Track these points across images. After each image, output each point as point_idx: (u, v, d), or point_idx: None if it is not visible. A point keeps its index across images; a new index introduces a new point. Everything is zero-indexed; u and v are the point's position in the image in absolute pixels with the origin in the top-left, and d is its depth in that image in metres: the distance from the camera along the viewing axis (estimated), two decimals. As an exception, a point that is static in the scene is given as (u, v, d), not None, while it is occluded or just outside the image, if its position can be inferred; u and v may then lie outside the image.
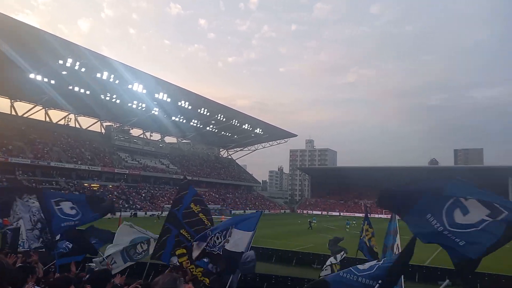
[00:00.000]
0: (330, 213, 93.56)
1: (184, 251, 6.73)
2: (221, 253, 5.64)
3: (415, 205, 3.66)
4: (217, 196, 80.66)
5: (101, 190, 58.01)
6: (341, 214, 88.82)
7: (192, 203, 7.12)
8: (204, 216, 6.98)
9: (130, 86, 55.72)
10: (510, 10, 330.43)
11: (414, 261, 19.66)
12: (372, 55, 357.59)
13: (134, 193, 63.36)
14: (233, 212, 68.31)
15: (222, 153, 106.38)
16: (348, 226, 47.51)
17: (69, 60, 46.81)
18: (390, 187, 4.03)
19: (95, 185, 59.69)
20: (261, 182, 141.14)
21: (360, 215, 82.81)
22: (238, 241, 5.63)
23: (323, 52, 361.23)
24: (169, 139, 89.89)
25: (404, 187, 3.94)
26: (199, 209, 7.07)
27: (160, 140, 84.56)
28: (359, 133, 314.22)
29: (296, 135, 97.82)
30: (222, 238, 5.75)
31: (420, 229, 3.64)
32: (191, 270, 6.52)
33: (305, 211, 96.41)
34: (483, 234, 3.27)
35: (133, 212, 54.73)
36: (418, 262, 19.82)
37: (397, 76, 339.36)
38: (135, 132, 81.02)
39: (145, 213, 56.96)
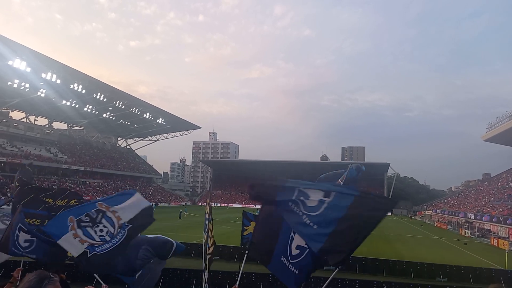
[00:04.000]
0: (230, 204, 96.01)
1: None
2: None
3: (277, 197, 4.14)
4: (113, 188, 76.01)
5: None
6: (229, 206, 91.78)
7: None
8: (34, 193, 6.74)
9: (10, 63, 48.61)
10: (387, 27, 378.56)
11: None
12: (274, 54, 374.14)
13: (13, 184, 55.87)
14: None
15: (120, 142, 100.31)
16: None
17: None
18: (257, 182, 4.38)
19: (-40, 175, 50.96)
20: (162, 174, 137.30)
21: (259, 206, 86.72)
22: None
23: (228, 46, 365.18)
24: (58, 125, 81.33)
25: (268, 181, 4.36)
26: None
27: (47, 126, 75.89)
28: (260, 128, 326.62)
29: (199, 127, 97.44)
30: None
31: (287, 217, 4.15)
32: None
33: (206, 203, 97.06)
34: (328, 213, 3.85)
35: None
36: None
37: (296, 76, 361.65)
38: (17, 115, 71.39)
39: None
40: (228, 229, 36.81)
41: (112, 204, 5.25)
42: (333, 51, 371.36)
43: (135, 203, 5.39)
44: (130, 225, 5.18)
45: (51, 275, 2.38)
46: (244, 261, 5.74)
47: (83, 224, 5.04)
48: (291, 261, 4.48)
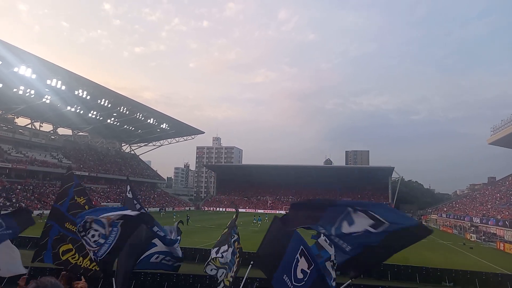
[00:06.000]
0: (229, 209, 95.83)
1: (70, 246, 6.37)
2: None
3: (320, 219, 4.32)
4: (117, 193, 76.24)
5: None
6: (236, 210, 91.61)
7: (76, 195, 6.71)
8: (89, 208, 6.59)
9: (16, 70, 49.09)
10: (392, 28, 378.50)
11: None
12: (278, 59, 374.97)
13: (18, 190, 56.26)
14: (134, 209, 65.41)
15: (124, 148, 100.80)
16: (259, 222, 50.39)
17: None
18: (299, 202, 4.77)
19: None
20: (165, 179, 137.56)
21: (262, 211, 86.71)
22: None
23: (232, 51, 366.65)
24: (63, 131, 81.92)
25: (311, 201, 4.65)
26: (84, 200, 6.69)
27: (52, 132, 76.41)
28: (263, 132, 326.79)
29: (203, 132, 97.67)
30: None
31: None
32: (79, 263, 6.33)
33: (210, 208, 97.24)
34: (362, 239, 4.03)
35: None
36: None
37: (301, 80, 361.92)
38: (22, 121, 71.96)
39: (32, 212, 50.87)
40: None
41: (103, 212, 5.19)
42: (338, 54, 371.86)
43: (125, 209, 5.47)
44: (122, 221, 4.98)
45: (52, 281, 2.32)
46: (248, 270, 5.83)
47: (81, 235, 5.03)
48: (294, 283, 4.44)
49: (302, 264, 4.36)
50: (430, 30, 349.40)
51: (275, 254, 4.93)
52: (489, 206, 59.03)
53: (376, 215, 3.94)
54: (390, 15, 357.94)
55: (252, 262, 5.67)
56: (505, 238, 40.29)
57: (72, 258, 6.40)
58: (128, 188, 6.67)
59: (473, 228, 49.46)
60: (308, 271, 4.25)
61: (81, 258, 6.33)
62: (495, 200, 61.08)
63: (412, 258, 25.76)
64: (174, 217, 53.80)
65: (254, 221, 52.57)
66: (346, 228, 4.07)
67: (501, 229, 42.79)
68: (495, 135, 74.01)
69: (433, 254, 29.52)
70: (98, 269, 5.94)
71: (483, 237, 44.40)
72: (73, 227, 6.35)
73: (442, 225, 63.45)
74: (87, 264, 6.27)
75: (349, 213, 4.07)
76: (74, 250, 6.38)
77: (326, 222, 4.23)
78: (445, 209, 75.84)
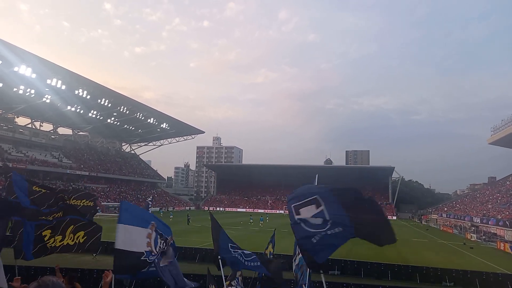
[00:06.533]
0: (233, 209, 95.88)
1: (49, 231, 6.36)
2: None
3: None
4: (117, 193, 76.25)
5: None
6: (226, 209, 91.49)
7: (29, 186, 6.66)
8: (44, 190, 6.68)
9: (16, 69, 49.08)
10: (393, 29, 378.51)
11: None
12: (279, 59, 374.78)
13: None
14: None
15: (124, 147, 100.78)
16: (261, 222, 50.67)
17: None
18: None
19: (-34, 180, 51.28)
20: (166, 179, 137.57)
21: (262, 211, 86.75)
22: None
23: (233, 51, 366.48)
24: (63, 131, 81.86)
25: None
26: (38, 188, 6.73)
27: (52, 131, 76.40)
28: (263, 132, 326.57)
29: (203, 132, 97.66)
30: None
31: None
32: (65, 243, 6.43)
33: (210, 208, 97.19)
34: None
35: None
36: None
37: (301, 80, 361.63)
38: (22, 121, 71.97)
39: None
40: (234, 234, 36.71)
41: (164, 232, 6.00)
42: (338, 55, 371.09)
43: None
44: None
45: (54, 281, 2.31)
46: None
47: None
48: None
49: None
50: (430, 31, 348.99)
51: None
52: (489, 206, 59.00)
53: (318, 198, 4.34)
54: (390, 16, 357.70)
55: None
56: (506, 238, 40.26)
57: (58, 241, 6.44)
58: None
59: (473, 228, 49.43)
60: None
61: (60, 237, 6.41)
62: (495, 200, 61.04)
63: (412, 258, 25.77)
64: (171, 217, 53.67)
65: (250, 220, 53.07)
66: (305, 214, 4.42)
67: (501, 229, 42.76)
68: (496, 135, 73.96)
69: (433, 254, 29.49)
70: (81, 241, 6.38)
71: (484, 237, 44.38)
72: (46, 217, 6.39)
73: (442, 225, 63.44)
74: (71, 240, 6.43)
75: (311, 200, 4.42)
76: (53, 233, 6.40)
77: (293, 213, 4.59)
78: (445, 209, 75.82)
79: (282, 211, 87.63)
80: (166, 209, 76.91)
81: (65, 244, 6.45)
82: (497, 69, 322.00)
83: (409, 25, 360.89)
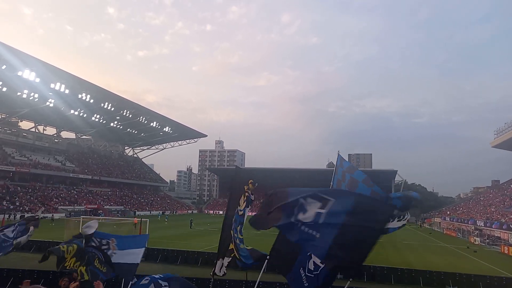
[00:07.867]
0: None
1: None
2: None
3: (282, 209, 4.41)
4: (120, 196, 76.37)
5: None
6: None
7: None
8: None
9: (20, 73, 49.46)
10: (394, 32, 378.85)
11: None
12: (281, 62, 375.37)
13: (21, 193, 56.49)
14: (137, 213, 65.45)
15: (127, 151, 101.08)
16: None
17: None
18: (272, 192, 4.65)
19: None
20: (168, 182, 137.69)
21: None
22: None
23: (235, 55, 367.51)
24: (66, 134, 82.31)
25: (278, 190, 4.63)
26: None
27: (55, 135, 76.81)
28: (265, 135, 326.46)
29: (206, 135, 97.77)
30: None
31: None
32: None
33: (212, 211, 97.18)
34: (327, 221, 4.01)
35: (20, 215, 48.68)
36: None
37: (303, 83, 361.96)
38: (26, 125, 72.38)
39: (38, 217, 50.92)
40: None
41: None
42: (340, 57, 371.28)
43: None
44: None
45: None
46: (264, 266, 5.98)
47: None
48: (306, 273, 5.13)
49: (315, 258, 4.96)
50: (432, 33, 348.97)
51: (292, 249, 5.48)
52: (493, 209, 58.68)
53: (321, 195, 4.14)
54: (392, 18, 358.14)
55: (268, 257, 6.29)
56: (509, 241, 40.01)
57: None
58: None
59: (477, 232, 49.14)
60: (320, 265, 4.87)
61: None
62: (499, 204, 60.71)
63: (415, 262, 25.66)
64: (166, 220, 54.15)
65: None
66: (302, 217, 4.20)
67: (505, 232, 42.51)
68: (499, 138, 73.68)
69: (436, 258, 29.34)
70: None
71: (487, 240, 44.10)
72: None
73: (445, 229, 63.09)
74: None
75: (302, 204, 4.20)
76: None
77: (285, 218, 4.33)
78: (448, 212, 75.43)
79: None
80: (163, 213, 74.86)
81: None
82: (499, 71, 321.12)
83: (411, 28, 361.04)
